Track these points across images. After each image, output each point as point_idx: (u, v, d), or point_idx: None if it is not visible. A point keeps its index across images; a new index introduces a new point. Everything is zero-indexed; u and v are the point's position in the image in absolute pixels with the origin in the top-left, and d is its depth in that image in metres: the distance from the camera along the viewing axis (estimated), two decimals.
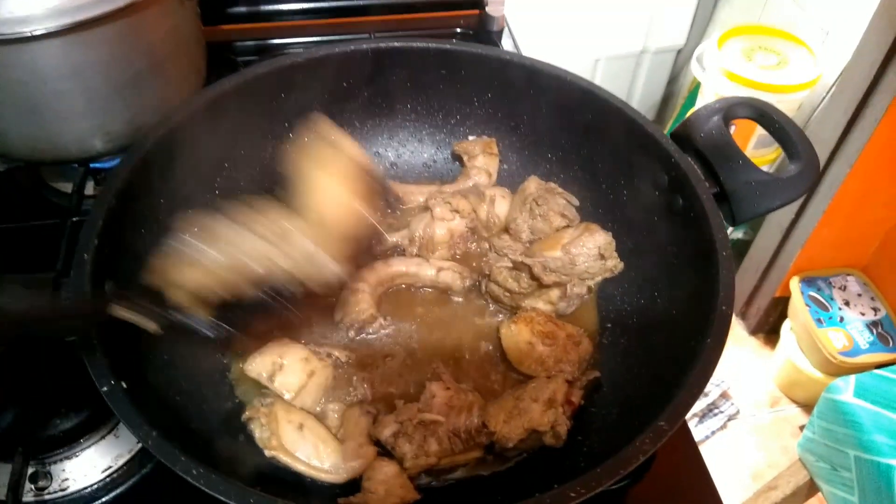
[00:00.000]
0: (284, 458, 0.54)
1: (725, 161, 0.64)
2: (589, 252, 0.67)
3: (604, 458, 0.47)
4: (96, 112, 0.71)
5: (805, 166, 0.63)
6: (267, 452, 0.54)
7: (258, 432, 0.55)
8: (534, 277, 0.64)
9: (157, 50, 0.72)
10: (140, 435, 0.44)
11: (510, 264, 0.66)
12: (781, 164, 1.58)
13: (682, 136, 0.66)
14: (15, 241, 0.76)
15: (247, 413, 0.56)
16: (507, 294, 0.67)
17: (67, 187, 0.80)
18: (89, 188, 0.78)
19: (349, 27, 1.00)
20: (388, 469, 0.55)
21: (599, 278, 0.68)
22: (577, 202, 0.74)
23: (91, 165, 0.78)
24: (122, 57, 0.69)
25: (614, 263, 0.68)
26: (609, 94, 0.69)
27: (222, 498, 0.43)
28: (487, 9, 1.01)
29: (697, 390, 0.50)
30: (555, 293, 0.65)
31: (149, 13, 0.69)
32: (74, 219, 0.71)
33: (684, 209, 0.63)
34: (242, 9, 0.97)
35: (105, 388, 0.47)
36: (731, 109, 0.66)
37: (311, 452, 0.54)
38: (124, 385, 0.47)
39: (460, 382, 0.63)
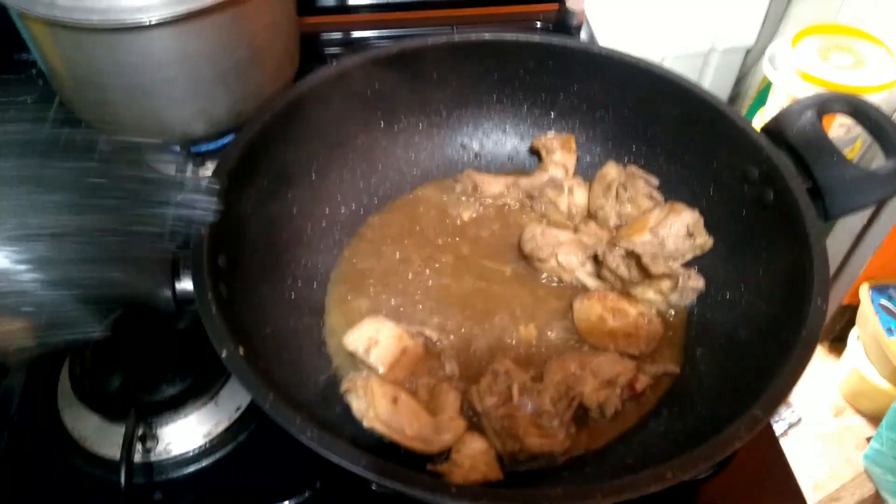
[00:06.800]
0: (381, 429, 0.56)
1: (819, 156, 0.63)
2: (678, 232, 0.68)
3: (689, 448, 0.48)
4: (200, 97, 0.75)
5: None
6: (365, 423, 0.56)
7: (355, 404, 0.58)
8: (641, 267, 0.65)
9: (258, 40, 0.76)
10: (259, 397, 0.47)
11: (623, 251, 0.67)
12: (859, 161, 1.53)
13: (775, 131, 0.66)
14: None
15: (345, 385, 0.59)
16: (618, 281, 0.68)
17: (166, 168, 0.85)
18: (189, 169, 0.82)
19: (431, 20, 1.02)
20: (476, 445, 0.57)
21: (690, 256, 0.69)
22: (657, 181, 0.75)
23: (191, 148, 0.82)
24: (226, 46, 0.73)
25: (703, 240, 0.69)
26: (699, 87, 0.70)
27: (335, 459, 0.45)
28: (568, 3, 1.02)
29: (793, 381, 0.50)
30: (666, 284, 0.66)
31: (252, 5, 0.73)
32: (179, 197, 0.75)
33: (776, 203, 0.63)
34: (331, 1, 1.00)
35: (224, 353, 0.50)
36: (825, 104, 0.66)
37: (405, 424, 0.56)
38: (241, 351, 0.50)
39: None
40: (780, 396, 0.50)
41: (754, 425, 0.48)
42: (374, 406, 0.56)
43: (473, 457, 0.56)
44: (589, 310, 0.66)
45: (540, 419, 0.59)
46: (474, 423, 0.60)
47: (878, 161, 0.64)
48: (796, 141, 0.65)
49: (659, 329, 0.66)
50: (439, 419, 0.58)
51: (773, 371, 0.51)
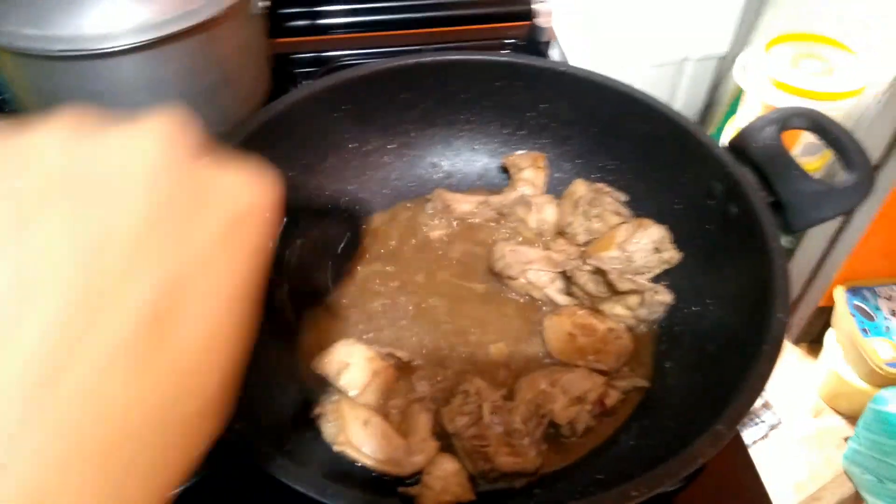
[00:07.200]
0: (352, 453, 0.56)
1: (781, 171, 0.64)
2: (645, 247, 0.69)
3: (660, 462, 0.48)
4: None
5: (861, 176, 0.64)
6: (335, 447, 0.56)
7: (326, 428, 0.58)
8: (609, 284, 0.66)
9: (228, 63, 0.76)
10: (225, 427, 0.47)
11: (591, 267, 0.68)
12: (827, 172, 1.56)
13: (738, 147, 0.67)
14: None
15: (316, 409, 0.59)
16: (587, 297, 0.69)
17: None
18: None
19: (401, 40, 1.03)
20: (447, 466, 0.58)
21: (658, 270, 0.70)
22: (625, 197, 0.76)
23: None
24: (195, 71, 0.73)
25: (671, 255, 0.70)
26: (666, 105, 0.71)
27: (301, 489, 0.46)
28: (537, 21, 1.03)
29: (754, 395, 0.51)
30: (633, 299, 0.67)
31: (222, 29, 0.73)
32: None
33: (739, 218, 0.64)
34: (302, 22, 1.01)
35: None
36: (787, 120, 0.67)
37: (376, 447, 0.57)
38: None
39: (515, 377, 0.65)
40: (742, 410, 0.51)
41: (718, 440, 0.49)
42: (344, 430, 0.57)
43: (445, 478, 0.57)
44: (559, 326, 0.67)
45: (511, 438, 0.59)
46: (446, 443, 0.60)
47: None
48: (759, 156, 0.66)
49: (628, 344, 0.67)
50: (411, 441, 0.58)
51: (738, 384, 0.52)
